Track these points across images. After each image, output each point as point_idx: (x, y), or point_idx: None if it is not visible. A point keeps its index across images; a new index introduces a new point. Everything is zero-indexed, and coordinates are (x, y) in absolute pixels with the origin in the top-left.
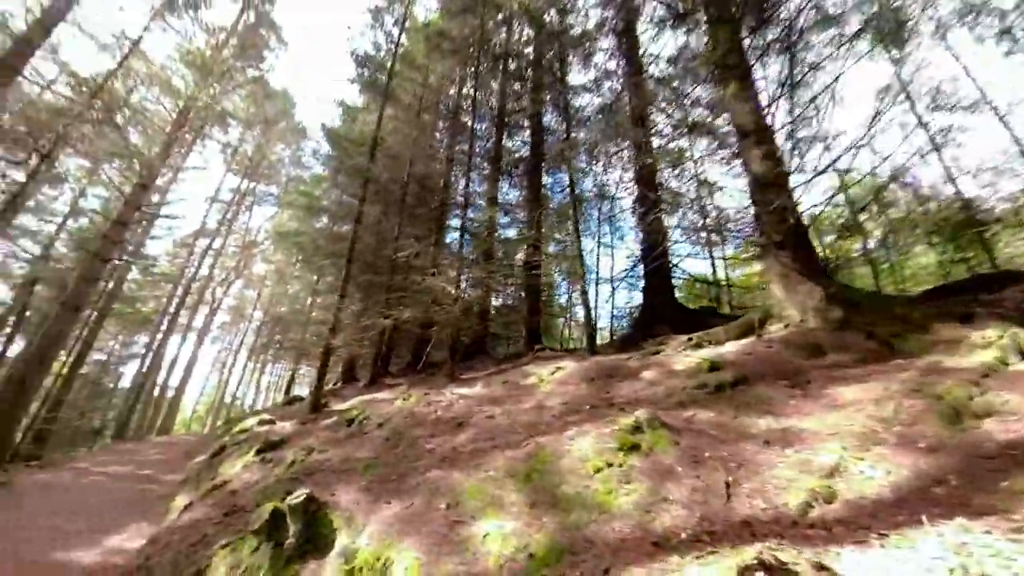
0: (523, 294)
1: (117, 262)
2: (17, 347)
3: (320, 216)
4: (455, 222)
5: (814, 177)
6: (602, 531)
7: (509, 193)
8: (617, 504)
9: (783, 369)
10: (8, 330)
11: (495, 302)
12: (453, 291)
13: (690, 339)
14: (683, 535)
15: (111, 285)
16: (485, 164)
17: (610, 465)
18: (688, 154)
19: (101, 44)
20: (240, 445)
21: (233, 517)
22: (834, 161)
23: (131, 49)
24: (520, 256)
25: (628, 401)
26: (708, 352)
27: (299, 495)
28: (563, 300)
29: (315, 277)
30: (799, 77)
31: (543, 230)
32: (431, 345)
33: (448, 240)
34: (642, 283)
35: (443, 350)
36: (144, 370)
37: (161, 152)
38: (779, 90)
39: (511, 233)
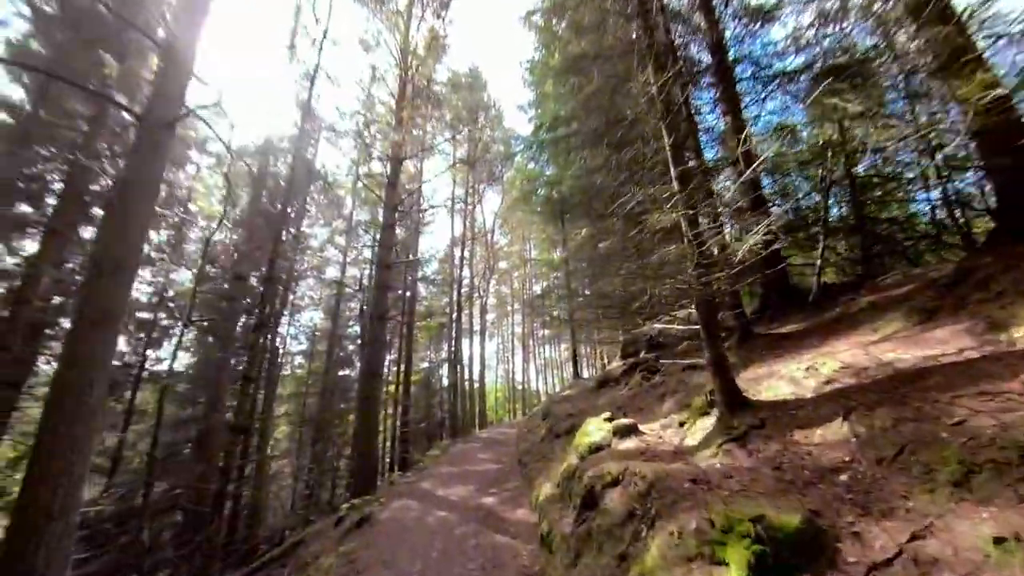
0: None
1: (396, 265)
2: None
3: (547, 166)
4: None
5: None
6: None
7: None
8: None
9: None
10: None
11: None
12: None
13: None
14: None
15: (408, 297)
16: None
17: None
18: None
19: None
20: (640, 505)
21: None
22: None
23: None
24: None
25: None
26: None
27: None
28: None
29: (559, 244)
30: None
31: None
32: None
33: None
34: None
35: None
36: (454, 370)
37: (397, 127)
38: None
39: None
